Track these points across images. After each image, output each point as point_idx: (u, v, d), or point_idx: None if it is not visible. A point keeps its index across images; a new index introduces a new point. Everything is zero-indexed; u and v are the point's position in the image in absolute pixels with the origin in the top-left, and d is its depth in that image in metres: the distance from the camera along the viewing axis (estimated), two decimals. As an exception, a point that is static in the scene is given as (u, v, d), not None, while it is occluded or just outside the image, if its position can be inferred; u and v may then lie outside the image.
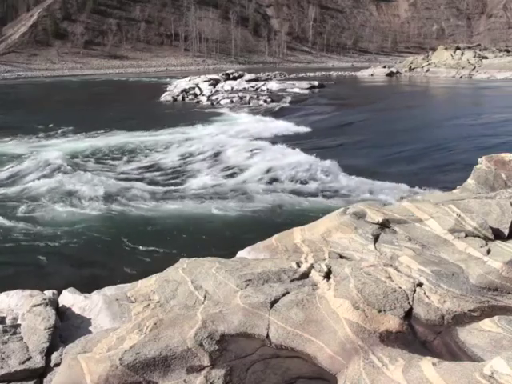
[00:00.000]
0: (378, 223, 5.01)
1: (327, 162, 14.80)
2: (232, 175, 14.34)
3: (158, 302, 4.28)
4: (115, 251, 9.09)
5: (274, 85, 41.04)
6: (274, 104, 30.82)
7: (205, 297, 4.12)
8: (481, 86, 45.84)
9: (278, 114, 26.11)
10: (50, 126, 23.65)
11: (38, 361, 3.55)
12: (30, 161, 15.88)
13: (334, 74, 74.02)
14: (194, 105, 33.25)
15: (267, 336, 3.49)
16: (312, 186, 13.07)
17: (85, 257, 8.84)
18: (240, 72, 50.43)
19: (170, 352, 3.30)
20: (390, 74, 64.53)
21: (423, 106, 31.36)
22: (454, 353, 3.24)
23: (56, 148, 18.31)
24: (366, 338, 3.31)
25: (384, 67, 71.89)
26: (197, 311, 3.79)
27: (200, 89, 38.51)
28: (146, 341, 3.40)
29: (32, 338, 3.75)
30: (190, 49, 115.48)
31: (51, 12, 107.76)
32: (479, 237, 4.64)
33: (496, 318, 3.43)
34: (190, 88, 38.73)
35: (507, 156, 6.73)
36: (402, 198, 10.73)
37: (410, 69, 68.57)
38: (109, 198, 12.11)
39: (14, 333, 3.84)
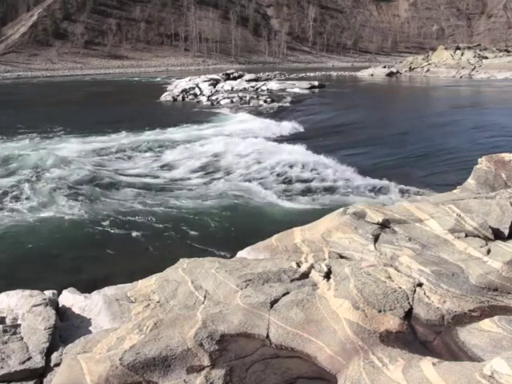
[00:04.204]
0: (378, 223, 5.01)
1: (327, 162, 14.82)
2: (232, 175, 14.34)
3: (158, 302, 4.28)
4: (115, 251, 9.10)
5: (274, 85, 41.02)
6: (274, 104, 30.81)
7: (205, 297, 4.12)
8: (481, 86, 45.85)
9: (278, 114, 26.11)
10: (49, 126, 23.65)
11: (38, 361, 3.55)
12: (29, 160, 15.88)
13: (334, 73, 74.02)
14: (194, 105, 33.25)
15: (267, 336, 3.49)
16: (312, 185, 13.08)
17: (85, 257, 8.84)
18: (240, 72, 50.38)
19: (170, 352, 3.30)
20: (390, 74, 64.53)
21: (423, 106, 31.35)
22: (454, 353, 3.24)
23: (55, 148, 18.31)
24: (366, 338, 3.31)
25: (384, 67, 71.88)
26: (197, 311, 3.79)
27: (200, 89, 38.50)
28: (146, 341, 3.40)
29: (32, 338, 3.75)
30: (190, 49, 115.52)
31: (51, 12, 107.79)
32: (479, 237, 4.64)
33: (496, 318, 3.43)
34: (190, 88, 38.73)
35: (507, 156, 6.73)
36: (402, 197, 10.75)
37: (410, 69, 68.57)
38: (109, 197, 12.12)
39: (14, 333, 3.84)
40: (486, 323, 3.40)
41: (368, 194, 12.04)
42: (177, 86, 40.86)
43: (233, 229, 10.04)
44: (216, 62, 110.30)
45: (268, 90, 38.83)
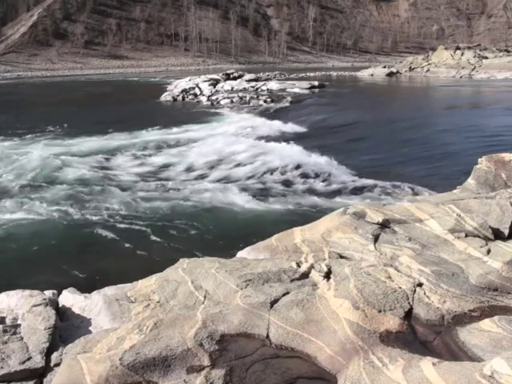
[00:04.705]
0: (378, 223, 5.01)
1: (327, 162, 14.81)
2: (231, 175, 14.34)
3: (158, 302, 4.28)
4: (115, 251, 9.10)
5: (274, 85, 41.01)
6: (274, 104, 30.81)
7: (205, 297, 4.12)
8: (481, 86, 45.84)
9: (278, 114, 26.10)
10: (48, 126, 23.67)
11: (38, 361, 3.55)
12: (30, 159, 15.87)
13: (334, 73, 73.99)
14: (194, 105, 33.24)
15: (267, 336, 3.49)
16: (312, 185, 13.07)
17: (85, 257, 8.84)
18: (240, 72, 50.35)
19: (170, 352, 3.30)
20: (390, 74, 64.49)
21: (423, 106, 31.35)
22: (454, 353, 3.24)
23: (54, 148, 18.33)
24: (366, 338, 3.31)
25: (384, 67, 71.84)
26: (197, 311, 3.79)
27: (200, 89, 38.50)
28: (146, 341, 3.40)
29: (32, 338, 3.75)
30: (190, 49, 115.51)
31: (51, 12, 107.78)
32: (479, 237, 4.64)
33: (496, 318, 3.43)
34: (190, 88, 38.72)
35: (507, 156, 6.73)
36: (402, 197, 10.75)
37: (410, 69, 68.54)
38: (109, 197, 12.12)
39: (14, 333, 3.84)
40: (486, 323, 3.40)
41: (368, 194, 12.04)
42: (177, 86, 40.85)
43: (233, 229, 10.03)
44: (216, 62, 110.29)
45: (268, 90, 38.82)
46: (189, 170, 15.26)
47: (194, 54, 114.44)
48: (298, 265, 4.44)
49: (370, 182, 12.90)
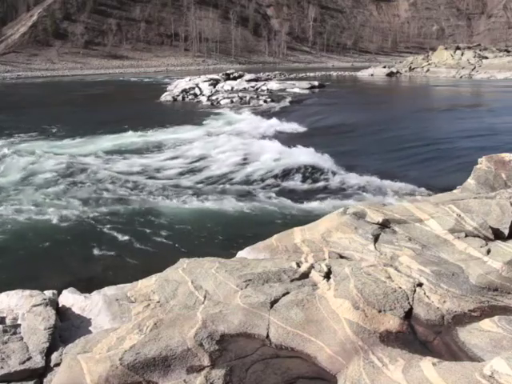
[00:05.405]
0: (378, 223, 5.01)
1: (327, 162, 14.80)
2: (232, 175, 14.33)
3: (158, 301, 4.28)
4: (115, 251, 9.10)
5: (274, 85, 41.00)
6: (274, 104, 30.80)
7: (205, 297, 4.12)
8: (481, 86, 45.84)
9: (278, 114, 26.08)
10: (49, 127, 23.67)
11: (38, 361, 3.55)
12: (19, 161, 15.83)
13: (334, 73, 74.00)
14: (194, 105, 33.23)
15: (267, 336, 3.49)
16: (312, 185, 13.07)
17: (85, 257, 8.84)
18: (240, 72, 50.33)
19: (170, 352, 3.30)
20: (390, 74, 64.52)
21: (423, 106, 31.34)
22: (454, 353, 3.24)
23: (55, 149, 18.32)
24: (366, 338, 3.31)
25: (384, 67, 71.88)
26: (197, 311, 3.79)
27: (200, 89, 38.48)
28: (146, 341, 3.40)
29: (32, 337, 3.75)
30: (190, 49, 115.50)
31: (51, 12, 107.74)
32: (479, 237, 4.64)
33: (496, 318, 3.43)
34: (189, 88, 38.71)
35: (507, 156, 6.74)
36: (402, 197, 10.75)
37: (410, 69, 68.58)
38: (109, 198, 12.12)
39: (14, 333, 3.83)
40: (486, 323, 3.40)
41: (368, 194, 12.04)
42: (177, 86, 40.83)
43: (233, 229, 10.03)
44: (216, 62, 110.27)
45: (268, 90, 38.81)
46: (188, 170, 15.25)
47: (193, 54, 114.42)
48: (298, 265, 4.44)
49: (369, 181, 12.89)
